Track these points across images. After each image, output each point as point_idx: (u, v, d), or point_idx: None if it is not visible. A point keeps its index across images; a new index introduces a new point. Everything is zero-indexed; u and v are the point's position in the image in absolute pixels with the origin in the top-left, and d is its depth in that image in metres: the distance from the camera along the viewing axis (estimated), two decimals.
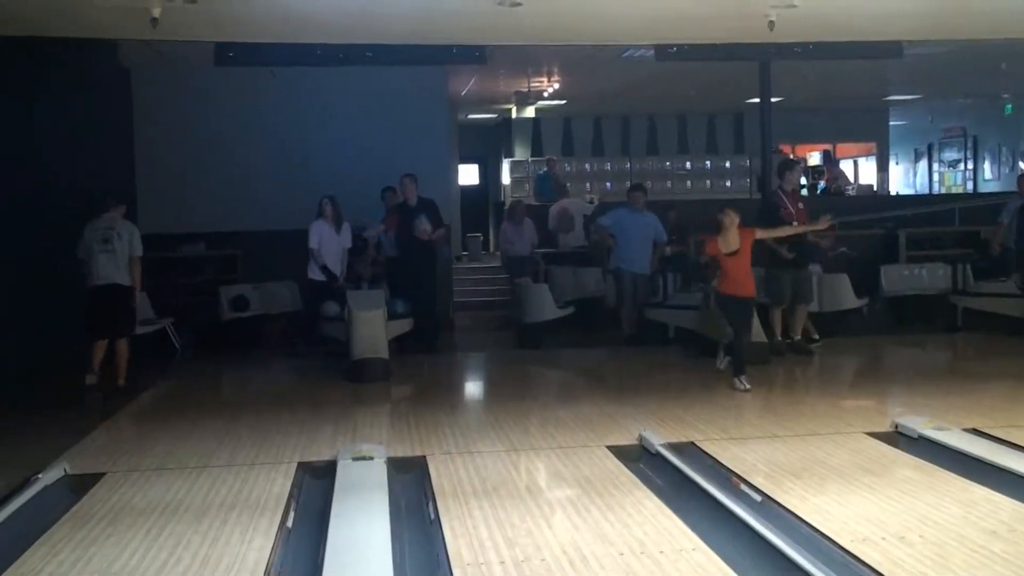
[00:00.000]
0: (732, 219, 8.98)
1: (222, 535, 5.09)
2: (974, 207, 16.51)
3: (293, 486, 5.99)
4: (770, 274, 10.59)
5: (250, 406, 8.90)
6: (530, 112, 20.59)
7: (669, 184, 20.96)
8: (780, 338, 10.58)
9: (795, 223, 10.20)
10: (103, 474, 6.33)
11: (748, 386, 8.66)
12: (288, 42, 8.85)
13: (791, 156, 18.72)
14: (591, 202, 17.24)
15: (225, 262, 13.38)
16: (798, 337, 10.73)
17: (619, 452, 6.57)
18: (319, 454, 6.76)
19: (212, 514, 5.47)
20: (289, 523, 5.30)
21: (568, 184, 19.53)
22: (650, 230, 11.91)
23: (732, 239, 8.94)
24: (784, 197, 10.70)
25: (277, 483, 6.05)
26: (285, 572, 4.70)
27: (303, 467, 6.44)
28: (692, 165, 21.57)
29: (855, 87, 18.26)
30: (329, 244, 11.04)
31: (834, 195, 20.04)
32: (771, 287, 10.60)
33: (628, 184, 17.94)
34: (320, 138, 13.49)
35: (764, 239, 9.67)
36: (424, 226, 11.10)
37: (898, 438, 6.81)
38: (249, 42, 8.88)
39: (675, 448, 6.52)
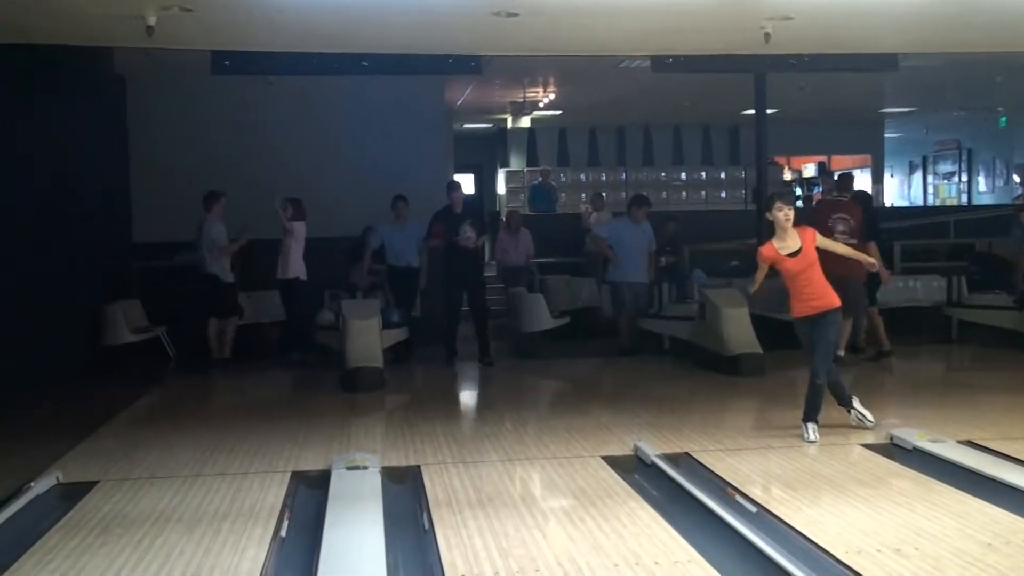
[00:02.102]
0: (787, 213, 7.16)
1: (215, 544, 5.07)
2: (968, 219, 16.57)
3: (287, 495, 5.96)
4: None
5: (243, 415, 8.87)
6: (525, 122, 20.64)
7: (664, 195, 21.00)
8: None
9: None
10: (96, 483, 6.29)
11: (815, 438, 7.06)
12: (284, 51, 8.85)
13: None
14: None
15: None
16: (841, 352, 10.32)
17: (614, 463, 6.55)
18: (313, 463, 6.74)
19: (205, 523, 5.44)
20: (283, 532, 5.27)
21: (563, 195, 19.58)
22: (645, 239, 11.94)
23: (791, 239, 7.20)
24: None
25: (271, 492, 6.02)
26: None
27: (297, 476, 6.41)
28: (687, 176, 21.62)
29: (850, 99, 18.32)
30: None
31: None
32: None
33: (625, 195, 18.06)
34: (316, 147, 13.50)
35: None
36: (468, 234, 11.00)
37: (893, 450, 6.80)
38: (245, 51, 8.89)
39: (670, 459, 6.51)
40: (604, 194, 16.89)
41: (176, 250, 13.19)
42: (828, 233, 9.19)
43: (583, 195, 19.67)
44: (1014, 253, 12.29)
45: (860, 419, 7.42)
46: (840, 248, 7.71)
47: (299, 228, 11.37)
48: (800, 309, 7.25)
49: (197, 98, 13.13)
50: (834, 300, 7.22)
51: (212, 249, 11.25)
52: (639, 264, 11.85)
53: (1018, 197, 13.73)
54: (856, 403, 7.47)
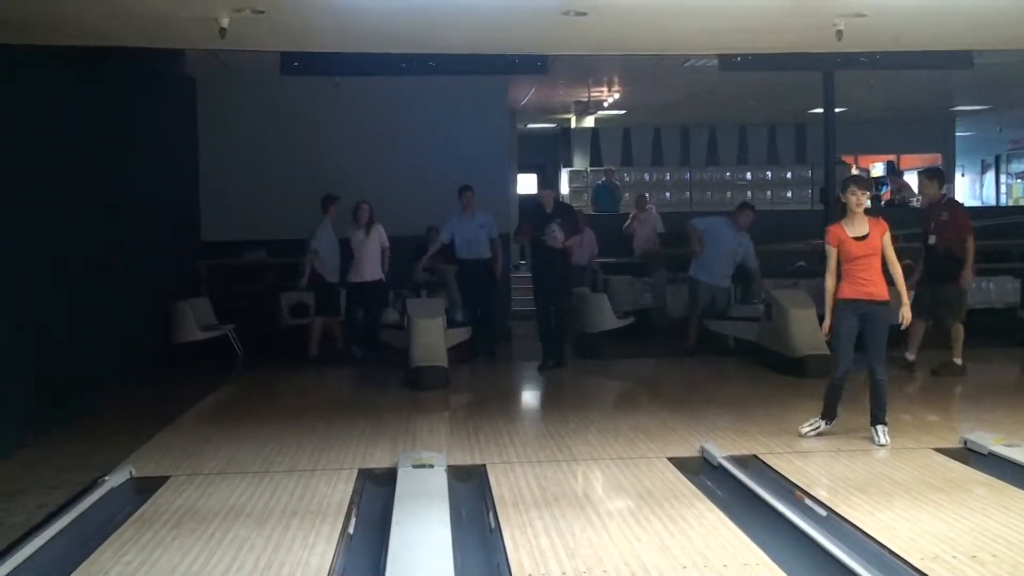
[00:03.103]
0: (859, 199, 7.07)
1: (284, 540, 5.13)
2: None
3: (354, 492, 6.02)
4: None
5: (310, 412, 8.96)
6: (589, 122, 20.56)
7: (729, 195, 20.81)
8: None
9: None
10: (167, 477, 6.42)
11: (885, 441, 7.00)
12: (352, 52, 8.92)
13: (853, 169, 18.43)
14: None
15: (286, 269, 13.52)
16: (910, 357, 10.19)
17: (680, 464, 6.51)
18: (379, 461, 6.79)
19: (274, 519, 5.52)
20: (351, 529, 5.33)
21: (627, 194, 19.47)
22: (740, 249, 11.70)
23: (860, 224, 7.09)
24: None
25: (338, 489, 6.08)
26: None
27: (364, 473, 6.47)
28: (753, 176, 21.39)
29: (921, 97, 17.99)
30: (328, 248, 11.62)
31: (898, 207, 19.74)
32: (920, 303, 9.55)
33: (689, 195, 17.92)
34: (381, 147, 13.60)
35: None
36: (556, 234, 10.94)
37: (967, 454, 6.66)
38: (314, 52, 8.97)
39: (737, 461, 6.45)
40: (647, 195, 16.68)
41: (243, 249, 13.44)
42: None
43: (647, 195, 19.58)
44: None
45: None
46: (896, 268, 7.23)
47: (374, 231, 11.54)
48: (848, 291, 7.08)
49: (265, 99, 13.29)
50: (884, 293, 7.06)
51: (321, 250, 11.55)
52: (725, 266, 11.67)
53: None
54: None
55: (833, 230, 7.15)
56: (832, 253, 7.15)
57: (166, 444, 7.56)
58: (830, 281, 7.21)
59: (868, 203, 7.19)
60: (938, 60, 10.32)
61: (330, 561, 4.78)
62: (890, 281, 7.21)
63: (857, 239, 7.03)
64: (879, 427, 7.10)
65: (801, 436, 7.25)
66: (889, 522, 5.20)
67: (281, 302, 12.51)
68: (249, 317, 12.38)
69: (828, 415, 7.36)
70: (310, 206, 12.09)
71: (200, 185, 13.51)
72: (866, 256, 7.02)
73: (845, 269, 7.09)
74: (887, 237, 7.11)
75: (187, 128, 13.25)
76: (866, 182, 7.85)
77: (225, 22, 6.92)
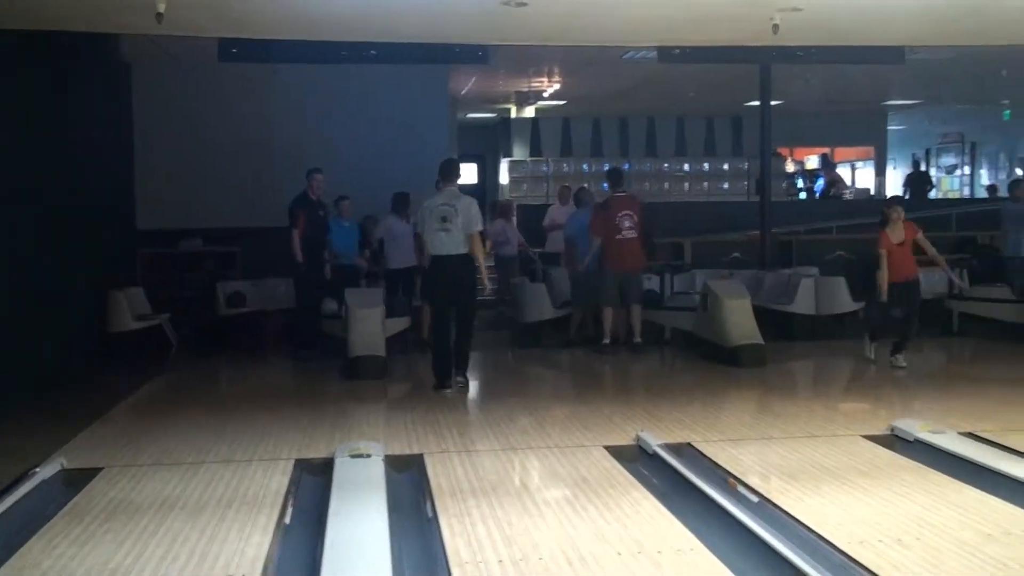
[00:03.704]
0: (900, 213, 9.69)
1: (220, 531, 5.09)
2: (971, 212, 16.55)
3: (291, 483, 5.99)
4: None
5: (246, 402, 8.89)
6: (529, 112, 20.62)
7: (667, 186, 21.02)
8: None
9: None
10: (100, 469, 6.32)
11: (904, 364, 9.66)
12: (292, 39, 8.85)
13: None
14: None
15: (224, 258, 13.40)
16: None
17: (616, 452, 6.57)
18: (317, 451, 6.76)
19: (210, 510, 5.47)
20: (287, 520, 5.30)
21: (569, 185, 19.50)
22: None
23: (899, 231, 9.60)
24: None
25: (275, 480, 6.05)
26: (283, 569, 4.70)
27: (301, 464, 6.44)
28: (690, 167, 21.60)
29: (854, 91, 18.30)
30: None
31: (832, 198, 20.10)
32: None
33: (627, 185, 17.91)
34: (321, 135, 13.50)
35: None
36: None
37: (894, 441, 6.82)
38: (253, 38, 8.89)
39: (672, 449, 6.53)
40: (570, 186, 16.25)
41: (179, 238, 13.28)
42: (616, 230, 10.80)
43: (586, 185, 19.61)
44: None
45: (893, 360, 9.80)
46: (930, 250, 9.96)
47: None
48: (892, 277, 9.54)
49: (203, 86, 13.13)
50: (914, 271, 9.80)
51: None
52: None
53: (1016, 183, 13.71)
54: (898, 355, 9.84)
55: (886, 237, 9.56)
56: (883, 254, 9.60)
57: (99, 435, 7.45)
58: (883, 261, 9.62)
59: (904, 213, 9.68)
60: (871, 55, 10.54)
61: (266, 551, 4.75)
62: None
63: (899, 244, 9.57)
64: (898, 355, 9.77)
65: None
66: (818, 507, 5.32)
67: (218, 291, 12.38)
68: (186, 307, 12.24)
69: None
70: (248, 195, 12.00)
71: (136, 173, 13.30)
72: (903, 253, 9.61)
73: (890, 262, 9.53)
74: (917, 235, 9.68)
75: (122, 115, 13.02)
76: (902, 201, 10.44)
77: (162, 7, 6.85)
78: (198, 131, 13.32)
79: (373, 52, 9.31)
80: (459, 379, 9.26)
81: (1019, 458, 6.18)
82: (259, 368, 11.25)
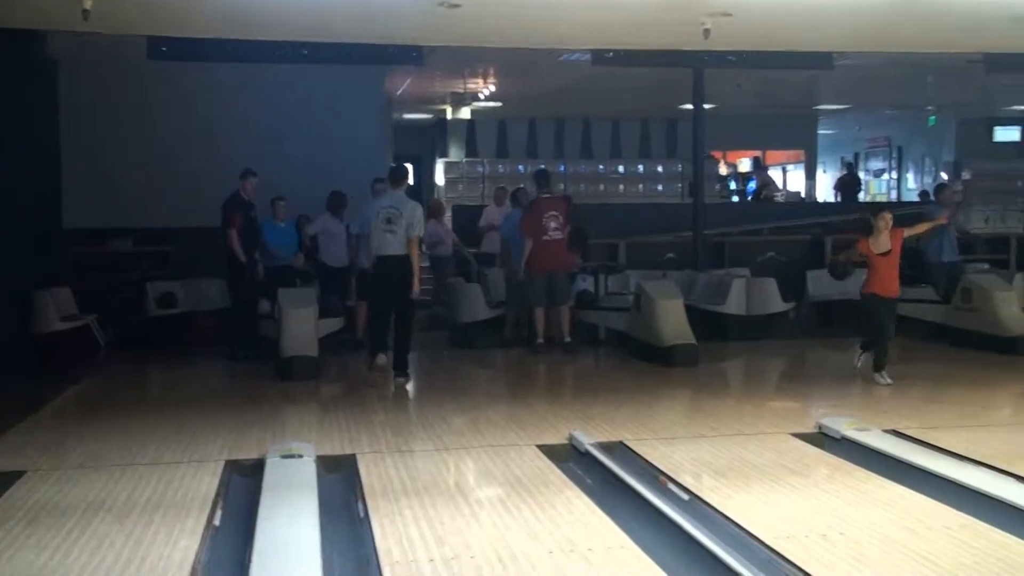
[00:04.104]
0: (887, 222, 9.26)
1: (147, 535, 5.02)
2: (898, 216, 16.86)
3: (220, 484, 5.92)
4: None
5: (176, 404, 8.77)
6: (465, 113, 20.58)
7: (602, 188, 21.15)
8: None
9: None
10: (23, 473, 6.19)
11: (890, 380, 9.03)
12: (223, 38, 8.74)
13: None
14: None
15: (155, 259, 13.20)
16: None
17: (549, 451, 6.61)
18: (247, 452, 6.69)
19: (136, 513, 5.39)
20: (216, 522, 5.24)
21: (505, 186, 19.52)
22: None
23: (884, 241, 9.20)
24: None
25: (204, 482, 5.98)
26: (211, 571, 4.65)
27: (231, 465, 6.37)
28: (625, 169, 21.77)
29: (786, 96, 18.58)
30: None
31: (764, 200, 20.38)
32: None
33: (563, 187, 18.04)
34: (254, 135, 13.32)
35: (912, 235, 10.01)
36: None
37: (822, 439, 6.95)
38: (183, 37, 8.77)
39: (604, 447, 6.58)
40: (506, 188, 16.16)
41: (109, 237, 13.04)
42: (543, 231, 10.98)
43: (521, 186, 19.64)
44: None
45: (876, 377, 9.19)
46: (923, 226, 10.32)
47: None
48: (876, 290, 9.24)
49: (133, 83, 12.89)
50: (896, 292, 9.42)
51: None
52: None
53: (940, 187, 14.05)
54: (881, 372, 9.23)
55: (862, 246, 9.27)
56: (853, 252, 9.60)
57: (23, 438, 7.30)
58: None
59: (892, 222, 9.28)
60: (800, 60, 10.72)
61: (194, 555, 4.70)
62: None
63: (881, 255, 9.16)
64: (881, 372, 9.12)
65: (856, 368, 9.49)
66: (746, 504, 5.40)
67: (148, 292, 12.17)
68: (116, 307, 12.03)
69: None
70: (180, 194, 11.81)
71: (62, 171, 13.02)
72: (887, 265, 9.20)
73: (873, 270, 9.25)
74: (903, 237, 9.31)
75: (48, 112, 12.74)
76: (890, 211, 9.83)
77: (88, 3, 6.72)
78: (129, 129, 13.08)
79: (306, 52, 9.25)
80: (399, 379, 9.51)
81: (941, 455, 6.34)
82: (190, 370, 11.08)
